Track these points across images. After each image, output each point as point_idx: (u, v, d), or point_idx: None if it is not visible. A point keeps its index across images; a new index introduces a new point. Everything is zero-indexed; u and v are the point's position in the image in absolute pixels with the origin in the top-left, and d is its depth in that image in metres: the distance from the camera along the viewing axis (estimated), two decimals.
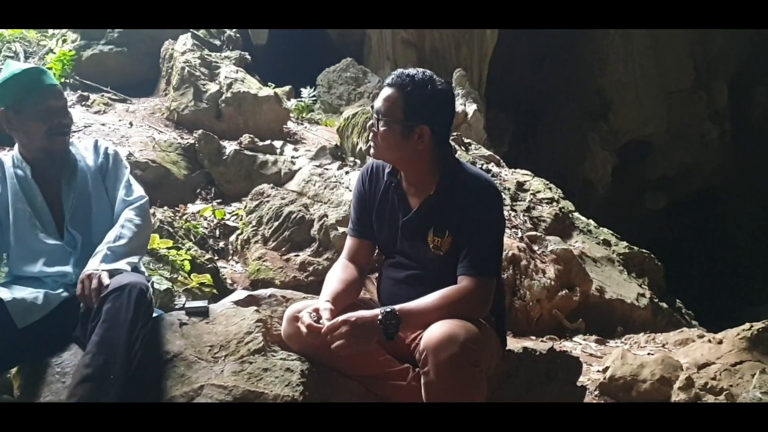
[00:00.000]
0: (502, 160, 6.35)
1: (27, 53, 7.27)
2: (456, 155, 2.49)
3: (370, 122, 2.36)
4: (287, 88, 7.11)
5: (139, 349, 2.05)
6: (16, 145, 2.46)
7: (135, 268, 2.33)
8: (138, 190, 2.50)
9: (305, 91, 7.24)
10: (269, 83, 6.97)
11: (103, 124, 5.68)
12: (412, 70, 2.34)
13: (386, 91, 2.31)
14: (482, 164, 6.01)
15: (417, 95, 2.26)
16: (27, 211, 2.34)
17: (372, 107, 2.45)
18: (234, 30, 7.73)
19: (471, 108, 6.64)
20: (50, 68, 6.73)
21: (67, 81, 6.60)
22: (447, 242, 2.28)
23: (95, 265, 2.19)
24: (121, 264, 2.24)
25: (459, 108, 6.67)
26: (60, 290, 2.29)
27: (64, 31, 7.25)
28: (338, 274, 2.37)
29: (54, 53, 6.81)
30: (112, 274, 2.16)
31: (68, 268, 2.35)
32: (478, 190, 2.31)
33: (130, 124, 5.88)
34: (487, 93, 7.70)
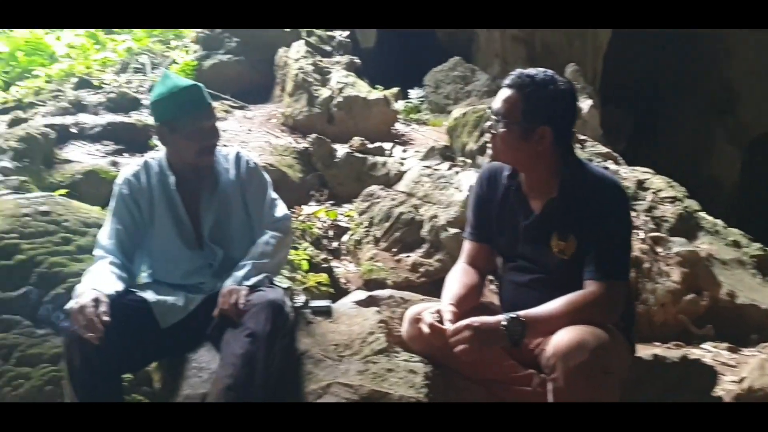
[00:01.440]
0: (620, 157, 6.11)
1: (153, 65, 7.76)
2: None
3: (489, 124, 2.33)
4: (395, 89, 7.17)
5: (278, 360, 2.14)
6: (164, 152, 2.56)
7: (271, 282, 2.43)
8: (282, 208, 2.57)
9: (413, 92, 7.27)
10: (378, 86, 7.05)
11: (224, 131, 5.93)
12: (532, 70, 2.29)
13: (505, 92, 2.28)
14: (599, 162, 5.80)
15: (537, 96, 2.21)
16: (169, 220, 2.45)
17: (489, 108, 2.43)
18: (343, 34, 7.88)
19: (586, 104, 6.42)
20: None
21: None
22: (572, 245, 2.22)
23: (238, 279, 2.29)
24: (263, 280, 2.34)
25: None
26: (198, 295, 2.40)
27: (186, 41, 7.68)
28: (459, 277, 2.36)
29: (177, 64, 7.21)
30: (254, 289, 2.26)
31: (206, 280, 2.45)
32: (603, 191, 2.24)
33: (249, 130, 6.14)
34: (602, 88, 7.41)
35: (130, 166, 2.60)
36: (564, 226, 2.21)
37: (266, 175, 2.63)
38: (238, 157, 2.58)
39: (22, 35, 7.97)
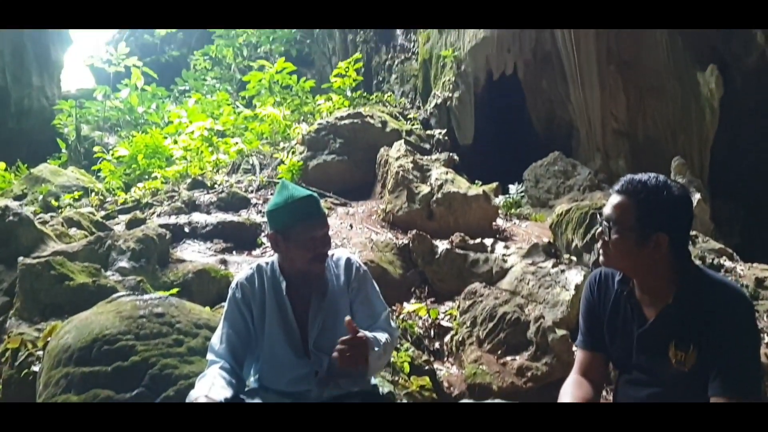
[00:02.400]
0: (735, 254, 5.77)
1: (262, 165, 8.18)
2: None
3: (599, 229, 2.26)
4: (494, 184, 7.18)
5: None
6: (276, 257, 2.61)
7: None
8: (382, 303, 2.60)
9: (513, 187, 7.26)
10: (477, 181, 7.10)
11: None
12: (643, 176, 2.23)
13: (616, 198, 2.22)
14: (713, 258, 5.50)
15: (651, 202, 2.13)
16: (279, 326, 2.49)
17: (596, 207, 2.37)
18: (442, 132, 8.07)
19: (695, 197, 6.18)
20: (281, 177, 7.51)
21: None
22: (692, 357, 2.06)
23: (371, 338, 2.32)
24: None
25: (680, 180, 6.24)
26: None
27: (293, 143, 8.07)
28: (573, 392, 2.24)
29: (284, 164, 7.57)
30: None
31: (312, 387, 2.45)
32: (725, 299, 2.09)
33: (350, 226, 6.26)
34: (710, 180, 7.13)
35: (243, 270, 2.67)
36: (683, 335, 2.07)
37: (372, 281, 2.63)
38: (348, 264, 2.60)
39: (143, 139, 8.66)
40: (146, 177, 8.17)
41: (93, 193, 7.46)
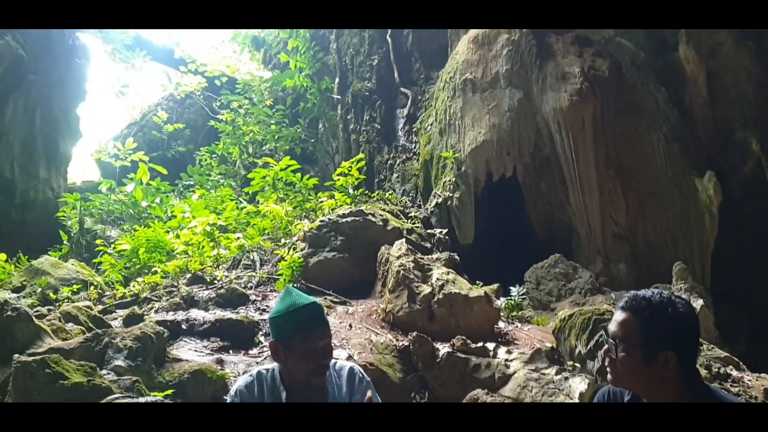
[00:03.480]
0: (741, 363, 5.68)
1: (263, 261, 8.18)
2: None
3: (606, 347, 2.25)
4: (495, 286, 7.16)
5: None
6: (277, 365, 2.58)
7: None
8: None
9: (514, 290, 7.23)
10: (477, 282, 7.08)
11: None
12: (647, 292, 2.24)
13: (621, 315, 2.22)
14: (719, 367, 5.40)
15: (657, 320, 2.14)
16: None
17: (606, 331, 2.36)
18: (442, 232, 8.12)
19: (697, 304, 6.15)
20: (281, 274, 7.49)
21: (295, 285, 7.23)
22: None
23: None
24: None
25: (683, 295, 6.21)
26: None
27: (294, 240, 8.10)
28: None
29: (285, 260, 7.56)
30: None
31: None
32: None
33: (350, 325, 6.19)
34: (713, 286, 7.13)
35: (243, 377, 2.62)
36: None
37: (377, 394, 2.57)
38: (351, 374, 2.56)
39: (145, 233, 8.69)
40: (146, 271, 8.14)
41: (92, 287, 7.41)
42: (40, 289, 7.02)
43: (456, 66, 9.06)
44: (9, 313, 4.57)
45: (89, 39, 14.35)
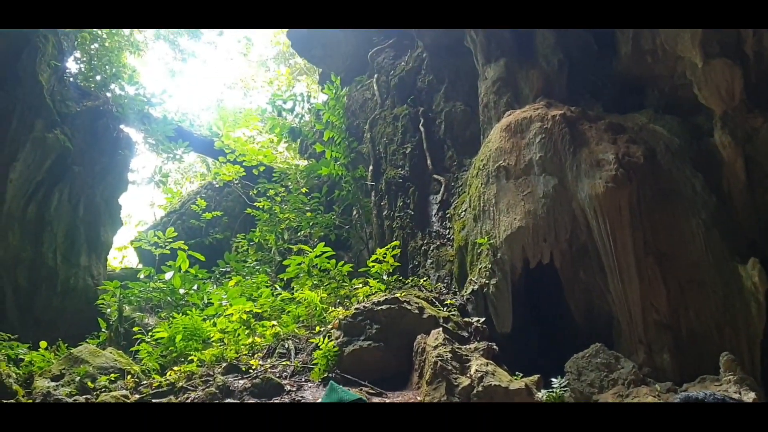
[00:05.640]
0: None
1: (297, 349, 8.12)
2: None
3: None
4: (536, 377, 6.96)
5: None
6: None
7: None
8: None
9: (555, 381, 7.02)
10: (517, 373, 6.90)
11: None
12: (699, 394, 2.18)
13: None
14: None
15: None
16: None
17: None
18: (480, 320, 8.01)
19: (749, 396, 5.89)
20: (316, 363, 7.41)
21: (331, 376, 7.14)
22: None
23: None
24: None
25: (734, 395, 5.95)
26: None
27: (329, 328, 8.05)
28: None
29: (320, 349, 7.50)
30: None
31: None
32: None
33: None
34: (764, 378, 6.83)
35: None
36: None
37: None
38: None
39: (182, 320, 8.74)
40: (182, 359, 8.14)
41: (129, 375, 7.42)
42: (78, 378, 7.04)
43: (489, 153, 9.18)
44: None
45: (133, 131, 14.97)
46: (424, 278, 9.84)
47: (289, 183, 13.83)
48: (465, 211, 9.76)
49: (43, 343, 8.41)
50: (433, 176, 11.45)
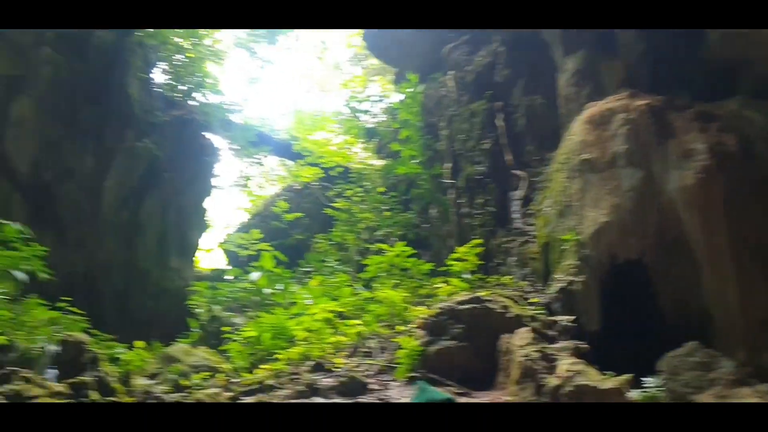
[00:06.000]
0: None
1: (381, 349, 8.18)
2: None
3: None
4: (628, 376, 6.73)
5: None
6: None
7: None
8: None
9: (649, 380, 6.76)
10: (607, 372, 6.69)
11: None
12: None
13: None
14: None
15: None
16: None
17: None
18: (567, 319, 7.83)
19: None
20: (400, 362, 7.44)
21: (415, 374, 7.15)
22: None
23: None
24: None
25: None
26: None
27: (411, 327, 8.06)
28: None
29: (403, 348, 7.52)
30: None
31: None
32: None
33: None
34: None
35: None
36: None
37: None
38: None
39: (269, 319, 8.95)
40: (269, 358, 8.34)
41: (220, 373, 7.67)
42: (173, 376, 7.34)
43: (571, 147, 8.96)
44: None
45: (216, 138, 15.47)
46: (507, 276, 9.70)
47: (367, 183, 13.95)
48: (548, 206, 9.55)
49: (139, 343, 8.80)
50: (512, 172, 11.28)
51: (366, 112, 14.81)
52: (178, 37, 14.53)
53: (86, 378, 6.19)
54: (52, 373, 6.47)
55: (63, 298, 8.94)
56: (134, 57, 13.54)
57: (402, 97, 13.50)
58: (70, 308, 8.73)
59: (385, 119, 15.03)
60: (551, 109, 10.95)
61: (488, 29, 11.19)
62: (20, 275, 8.78)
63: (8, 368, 5.79)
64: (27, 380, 5.55)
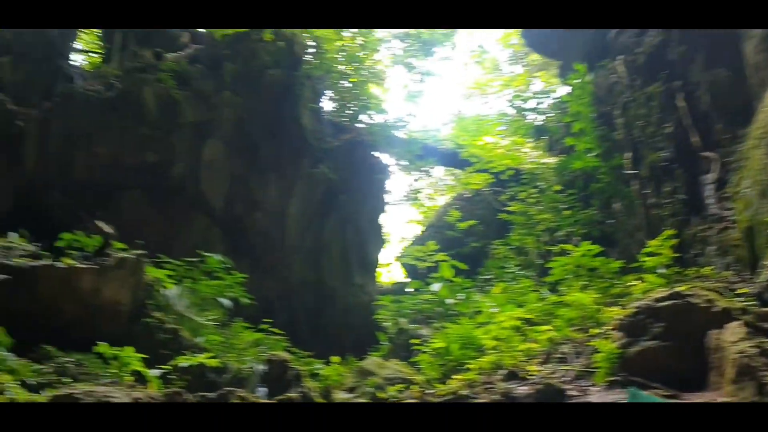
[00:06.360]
0: None
1: (575, 353, 7.85)
2: None
3: None
4: None
5: None
6: None
7: None
8: None
9: None
10: None
11: None
12: None
13: None
14: None
15: None
16: None
17: None
18: None
19: None
20: (598, 366, 7.08)
21: (617, 378, 6.77)
22: None
23: None
24: None
25: None
26: None
27: (606, 329, 7.65)
28: None
29: (599, 351, 7.15)
30: None
31: None
32: None
33: None
34: None
35: None
36: None
37: None
38: None
39: (456, 329, 8.96)
40: (459, 368, 8.33)
41: (413, 385, 7.77)
42: (369, 389, 7.56)
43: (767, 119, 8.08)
44: None
45: (384, 155, 15.91)
46: (708, 267, 8.91)
47: (541, 182, 13.57)
48: (747, 187, 8.67)
49: (335, 358, 9.20)
50: (701, 154, 10.39)
51: (533, 109, 14.45)
52: (341, 64, 15.18)
53: (292, 394, 6.56)
54: (262, 391, 6.95)
55: (264, 320, 9.59)
56: (304, 89, 14.34)
57: (569, 89, 13.00)
58: (272, 329, 9.34)
59: (553, 115, 14.57)
60: (738, 82, 9.95)
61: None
62: (225, 302, 9.59)
63: (225, 389, 6.27)
64: (242, 399, 5.97)
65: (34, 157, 11.82)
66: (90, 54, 15.65)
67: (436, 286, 11.09)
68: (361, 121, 15.42)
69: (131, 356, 6.86)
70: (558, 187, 13.29)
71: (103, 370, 6.84)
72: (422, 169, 17.52)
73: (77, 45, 14.69)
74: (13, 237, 8.32)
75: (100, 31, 15.25)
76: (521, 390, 6.99)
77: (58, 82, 12.70)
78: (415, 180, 18.85)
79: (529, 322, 8.90)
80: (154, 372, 6.84)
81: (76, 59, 14.65)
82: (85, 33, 15.43)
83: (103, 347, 6.91)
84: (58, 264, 7.71)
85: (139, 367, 6.82)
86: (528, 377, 7.35)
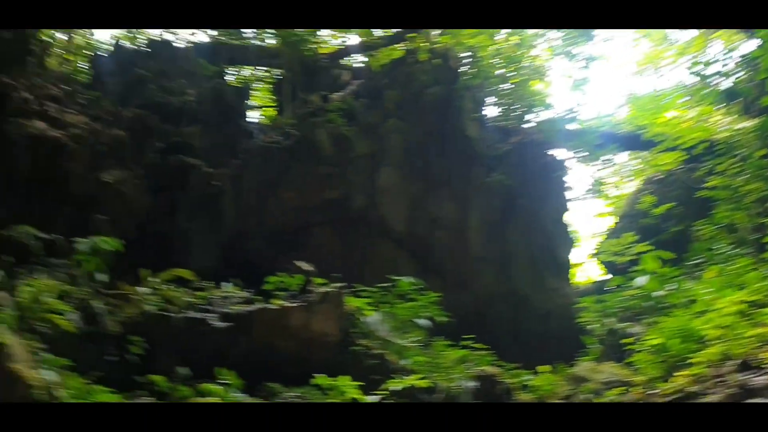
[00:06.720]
0: None
1: None
2: None
3: None
4: None
5: None
6: None
7: None
8: None
9: None
10: None
11: None
12: None
13: None
14: None
15: None
16: None
17: None
18: None
19: None
20: None
21: None
22: None
23: None
24: None
25: None
26: None
27: None
28: None
29: None
30: None
31: None
32: None
33: None
34: None
35: None
36: None
37: None
38: None
39: (670, 322, 8.25)
40: (681, 363, 7.65)
41: (635, 387, 7.28)
42: (587, 396, 7.18)
43: None
44: None
45: (560, 151, 15.32)
46: None
47: (741, 150, 12.24)
48: None
49: (543, 368, 8.87)
50: None
51: (717, 73, 13.14)
52: (498, 68, 14.94)
53: None
54: None
55: (464, 336, 9.52)
56: (464, 101, 14.29)
57: (759, 42, 11.64)
58: (474, 345, 9.24)
59: (743, 74, 13.13)
60: None
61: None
62: (423, 322, 9.67)
63: None
64: None
65: (231, 212, 12.89)
66: (263, 108, 16.85)
67: (641, 280, 10.32)
68: (528, 121, 15.02)
69: (347, 384, 7.10)
70: (763, 151, 11.88)
71: (323, 400, 7.13)
72: (603, 158, 16.65)
73: (251, 102, 15.84)
74: (228, 287, 9.05)
75: (270, 85, 16.40)
76: (758, 380, 6.26)
77: (241, 140, 13.81)
78: (598, 171, 17.97)
79: (754, 304, 7.98)
80: (372, 398, 7.01)
81: (253, 116, 15.82)
82: (257, 90, 16.66)
83: (320, 379, 7.22)
84: (270, 306, 8.27)
85: (356, 394, 7.03)
86: (764, 366, 6.56)
